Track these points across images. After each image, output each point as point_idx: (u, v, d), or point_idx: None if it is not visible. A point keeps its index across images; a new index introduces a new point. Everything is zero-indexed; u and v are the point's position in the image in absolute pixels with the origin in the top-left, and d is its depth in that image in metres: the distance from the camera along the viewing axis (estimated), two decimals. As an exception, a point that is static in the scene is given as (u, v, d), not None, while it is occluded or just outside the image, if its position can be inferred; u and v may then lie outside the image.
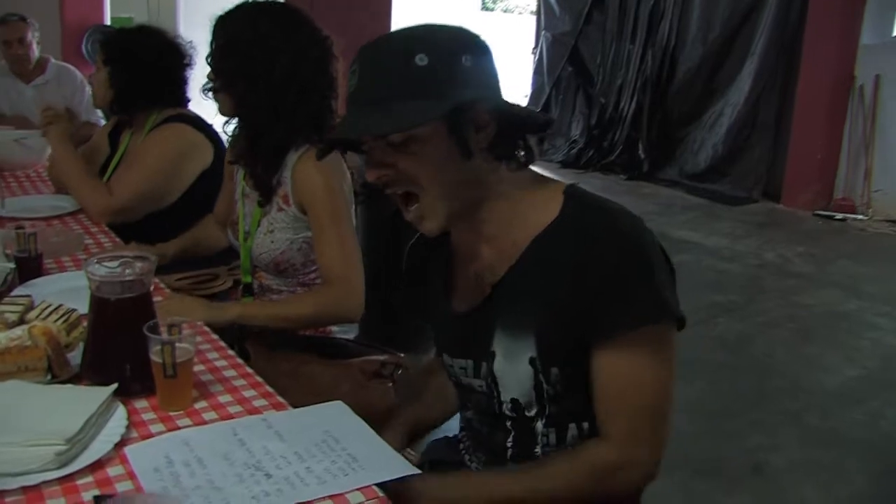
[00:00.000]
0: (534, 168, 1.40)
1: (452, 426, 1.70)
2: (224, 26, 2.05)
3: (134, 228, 2.61)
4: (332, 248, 2.03)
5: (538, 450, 1.42)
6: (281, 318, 2.05)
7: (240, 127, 2.15)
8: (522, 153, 1.36)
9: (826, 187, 7.24)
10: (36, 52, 4.55)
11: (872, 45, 7.01)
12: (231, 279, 2.62)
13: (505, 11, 23.08)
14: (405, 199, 1.34)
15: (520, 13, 21.66)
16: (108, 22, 8.28)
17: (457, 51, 1.26)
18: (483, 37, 1.33)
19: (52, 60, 4.70)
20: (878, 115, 6.95)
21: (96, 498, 1.15)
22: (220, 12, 2.07)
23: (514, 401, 1.40)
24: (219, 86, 2.06)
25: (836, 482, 3.04)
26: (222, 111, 2.11)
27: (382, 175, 1.31)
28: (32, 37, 4.49)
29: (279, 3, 2.17)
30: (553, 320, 1.31)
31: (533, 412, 1.39)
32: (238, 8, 2.07)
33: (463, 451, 1.59)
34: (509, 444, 1.45)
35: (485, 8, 20.07)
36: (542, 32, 9.81)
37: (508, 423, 1.44)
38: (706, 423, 3.28)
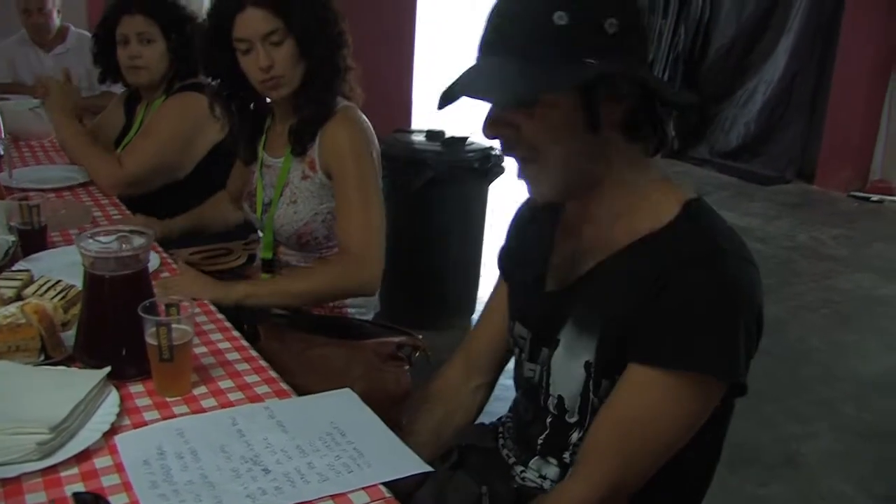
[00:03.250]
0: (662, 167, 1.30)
1: (497, 408, 1.61)
2: None
3: (145, 201, 2.53)
4: (355, 214, 1.95)
5: (567, 456, 1.33)
6: (291, 294, 1.96)
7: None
8: (655, 138, 1.25)
9: (862, 168, 7.04)
10: (57, 20, 4.46)
11: (916, 21, 6.79)
12: (246, 254, 2.54)
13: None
14: (522, 159, 1.24)
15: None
16: (133, -10, 8.22)
17: (600, 13, 1.14)
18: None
19: (73, 28, 4.62)
20: (920, 93, 6.74)
21: (75, 495, 1.06)
22: None
23: (560, 399, 1.31)
24: (285, 32, 1.93)
25: (870, 476, 2.92)
26: (267, 63, 1.94)
27: (503, 133, 1.22)
28: (53, 4, 4.41)
29: None
30: (617, 331, 1.21)
31: (573, 420, 1.31)
32: None
33: (500, 437, 1.50)
34: (541, 441, 1.37)
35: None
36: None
37: (548, 420, 1.35)
38: (738, 410, 3.15)
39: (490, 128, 1.22)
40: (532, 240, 1.44)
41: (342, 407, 1.34)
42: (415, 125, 4.37)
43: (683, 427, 1.20)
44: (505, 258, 1.54)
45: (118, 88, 4.27)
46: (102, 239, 1.38)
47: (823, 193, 6.98)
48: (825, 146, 7.13)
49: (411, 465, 1.19)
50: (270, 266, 2.17)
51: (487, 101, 1.20)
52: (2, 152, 2.58)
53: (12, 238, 1.93)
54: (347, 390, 1.40)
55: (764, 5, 7.59)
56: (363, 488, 1.13)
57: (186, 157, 2.60)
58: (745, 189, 7.05)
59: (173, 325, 1.32)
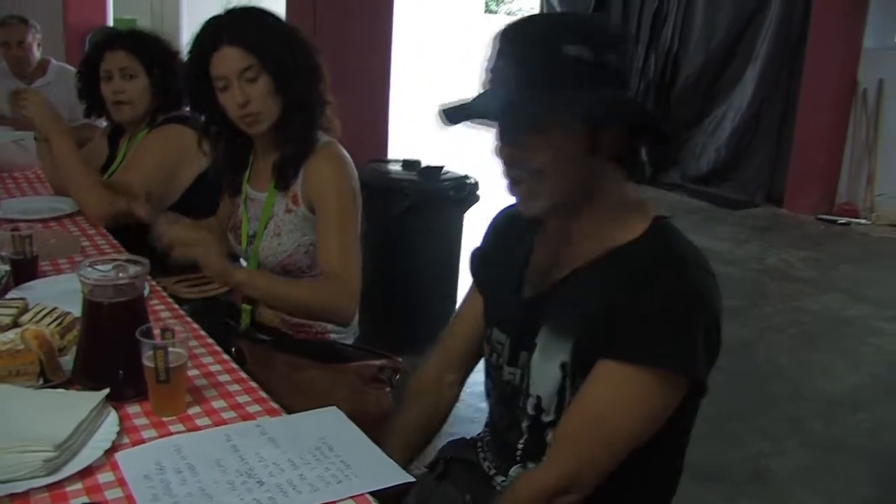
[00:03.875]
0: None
1: (471, 430, 1.69)
2: (256, 18, 2.05)
3: (127, 232, 2.58)
4: (333, 247, 2.02)
5: (545, 458, 1.40)
6: (280, 296, 2.03)
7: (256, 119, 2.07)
8: (636, 164, 1.36)
9: (829, 192, 7.22)
10: (37, 53, 4.54)
11: (875, 49, 7.00)
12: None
13: (508, 14, 23.06)
14: (521, 178, 1.34)
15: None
16: (110, 23, 8.29)
17: (606, 45, 1.27)
18: (624, 30, 1.33)
19: (54, 61, 4.69)
20: (881, 119, 6.93)
21: (85, 506, 1.13)
22: (236, 8, 2.06)
23: (538, 399, 1.40)
24: (260, 69, 2.00)
25: (840, 490, 3.02)
26: (244, 99, 2.00)
27: (514, 155, 1.31)
28: (33, 38, 4.48)
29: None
30: (590, 333, 1.31)
31: (549, 419, 1.39)
32: (254, 8, 2.08)
33: (479, 451, 1.58)
34: (520, 446, 1.45)
35: (488, 10, 20.06)
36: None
37: (524, 425, 1.43)
38: (707, 428, 3.19)
39: (504, 148, 1.32)
40: (510, 248, 1.53)
41: (329, 423, 1.42)
42: (390, 155, 4.47)
43: (643, 421, 1.29)
44: (480, 264, 1.62)
45: (99, 121, 4.35)
46: (101, 267, 1.45)
47: (792, 217, 7.14)
48: (793, 171, 7.30)
49: (395, 475, 1.27)
50: (252, 299, 2.21)
51: (505, 126, 1.31)
52: None
53: (6, 267, 1.99)
54: (334, 408, 1.47)
55: (732, 34, 7.78)
56: (351, 497, 1.20)
57: (172, 187, 2.65)
58: (716, 213, 7.20)
59: (169, 349, 1.39)
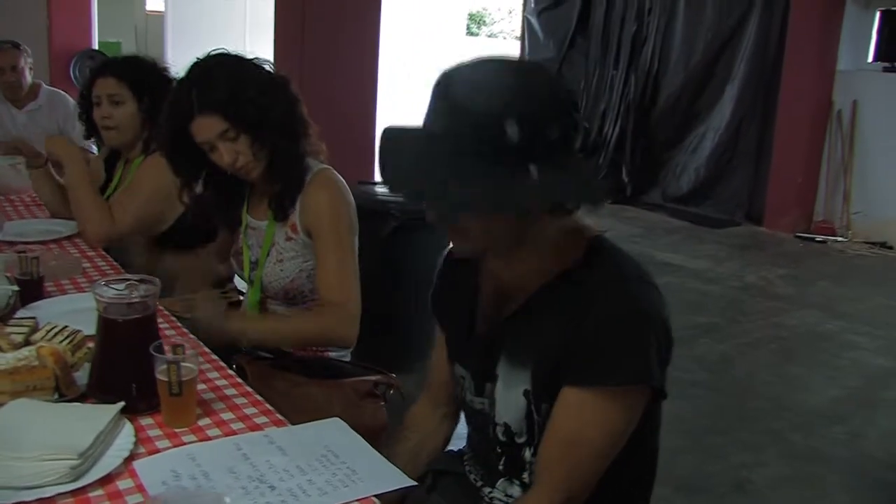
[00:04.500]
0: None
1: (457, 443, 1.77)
2: (224, 74, 2.07)
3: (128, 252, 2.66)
4: (332, 274, 2.10)
5: (526, 476, 1.48)
6: (280, 333, 2.13)
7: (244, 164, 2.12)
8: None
9: (806, 210, 7.37)
10: (29, 78, 4.60)
11: (849, 72, 7.18)
12: (225, 303, 2.67)
13: (490, 36, 23.25)
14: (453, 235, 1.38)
15: (504, 38, 21.85)
16: (95, 47, 8.35)
17: (548, 120, 1.23)
18: (569, 90, 1.32)
19: (44, 86, 4.75)
20: (856, 139, 7.10)
21: None
22: (204, 63, 2.10)
23: (506, 426, 1.46)
24: (237, 130, 2.05)
25: (818, 499, 3.11)
26: (232, 158, 2.07)
27: (444, 224, 1.35)
28: (25, 63, 4.54)
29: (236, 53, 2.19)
30: (546, 361, 1.36)
31: (522, 440, 1.46)
32: (225, 58, 2.12)
33: (465, 464, 1.65)
34: (501, 467, 1.52)
35: (469, 33, 20.23)
36: (527, 57, 9.95)
37: (499, 449, 1.51)
38: (688, 441, 3.34)
39: (427, 214, 1.33)
40: (459, 287, 1.57)
41: (333, 433, 1.50)
42: (377, 177, 4.55)
43: (616, 435, 1.35)
44: (435, 303, 1.67)
45: (90, 145, 4.43)
46: (115, 286, 1.54)
47: (771, 235, 7.28)
48: (771, 190, 7.44)
49: (398, 480, 1.36)
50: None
51: (438, 208, 1.31)
52: None
53: (14, 287, 2.06)
54: (336, 419, 1.56)
55: (710, 54, 7.93)
56: (358, 500, 1.29)
57: (167, 212, 2.72)
58: (696, 232, 7.33)
59: (181, 363, 1.48)
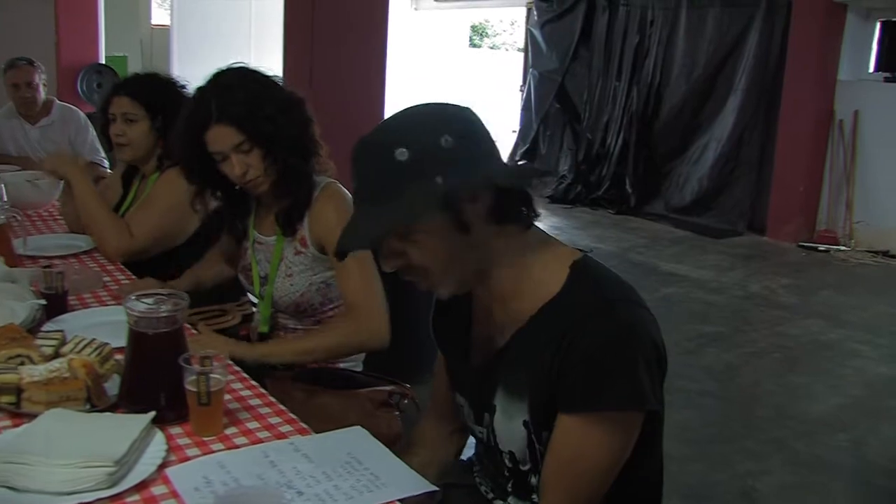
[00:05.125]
0: (541, 227, 1.47)
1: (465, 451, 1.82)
2: (242, 89, 2.13)
3: (142, 267, 2.71)
4: (353, 279, 2.15)
5: (535, 497, 1.52)
6: (306, 351, 2.16)
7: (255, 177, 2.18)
8: (525, 212, 1.40)
9: (809, 220, 7.43)
10: (43, 94, 4.68)
11: (850, 82, 7.26)
12: (240, 314, 2.73)
13: (492, 48, 23.33)
14: (418, 280, 1.41)
15: (507, 50, 21.95)
16: (102, 61, 8.43)
17: (434, 135, 1.30)
18: (465, 107, 1.38)
19: (57, 101, 4.82)
20: (858, 149, 7.16)
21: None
22: (226, 75, 2.16)
23: (511, 453, 1.51)
24: (251, 143, 2.11)
25: (822, 505, 3.16)
26: (243, 170, 2.13)
27: (397, 264, 1.38)
28: (39, 79, 4.62)
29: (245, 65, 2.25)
30: (542, 389, 1.38)
31: (527, 468, 1.50)
32: (247, 73, 2.19)
33: (475, 475, 1.70)
34: (510, 488, 1.57)
35: (472, 45, 20.33)
36: (530, 70, 10.05)
37: (506, 472, 1.55)
38: (694, 450, 3.40)
39: (385, 262, 1.39)
40: (454, 316, 1.60)
41: (356, 441, 1.56)
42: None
43: (615, 454, 1.38)
44: (435, 329, 1.70)
45: (102, 160, 4.50)
46: (145, 301, 1.60)
47: (774, 245, 7.33)
48: (774, 199, 7.50)
49: (420, 485, 1.42)
50: (267, 339, 2.35)
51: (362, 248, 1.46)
52: (19, 219, 2.75)
53: (42, 301, 2.12)
54: (358, 427, 1.62)
55: (711, 66, 8.00)
56: (383, 504, 1.35)
57: (185, 225, 2.79)
58: (700, 242, 7.39)
59: (210, 375, 1.54)
